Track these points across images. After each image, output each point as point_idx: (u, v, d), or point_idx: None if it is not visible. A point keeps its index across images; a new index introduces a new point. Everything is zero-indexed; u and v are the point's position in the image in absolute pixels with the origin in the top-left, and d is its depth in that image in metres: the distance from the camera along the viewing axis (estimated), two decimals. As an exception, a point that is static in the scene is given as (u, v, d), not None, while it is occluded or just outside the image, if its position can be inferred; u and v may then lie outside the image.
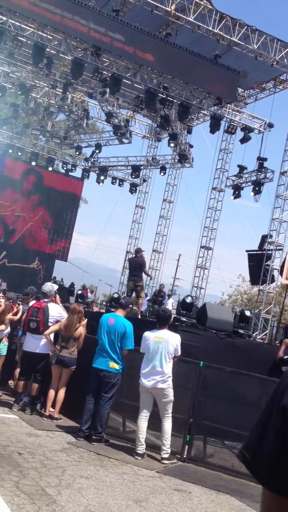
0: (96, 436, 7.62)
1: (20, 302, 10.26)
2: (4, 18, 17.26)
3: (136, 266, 14.39)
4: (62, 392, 8.59)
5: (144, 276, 15.00)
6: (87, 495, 5.42)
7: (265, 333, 20.54)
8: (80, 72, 18.34)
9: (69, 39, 18.10)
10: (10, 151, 29.03)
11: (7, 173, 28.99)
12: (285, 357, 9.27)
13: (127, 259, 22.52)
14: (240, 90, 22.88)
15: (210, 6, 18.67)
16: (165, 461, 7.23)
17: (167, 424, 7.33)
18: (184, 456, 7.56)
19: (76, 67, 18.10)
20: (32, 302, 9.34)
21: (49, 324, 8.82)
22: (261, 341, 18.36)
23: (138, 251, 15.09)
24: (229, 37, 19.24)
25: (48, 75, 20.55)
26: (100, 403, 7.72)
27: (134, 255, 15.63)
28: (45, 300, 9.09)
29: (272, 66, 20.59)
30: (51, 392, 8.62)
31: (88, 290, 23.62)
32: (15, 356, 10.03)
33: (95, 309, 22.62)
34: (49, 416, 8.52)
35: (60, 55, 19.77)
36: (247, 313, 11.19)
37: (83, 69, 18.37)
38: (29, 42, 18.50)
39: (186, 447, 7.61)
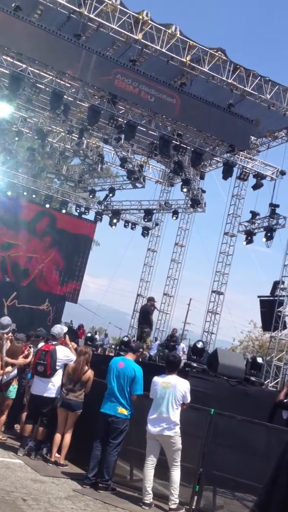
0: (102, 484, 7.42)
1: (31, 345, 10.19)
2: (24, 66, 17.84)
3: (143, 313, 15.27)
4: (68, 437, 8.42)
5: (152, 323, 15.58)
6: None
7: (276, 381, 20.18)
8: (96, 118, 18.79)
9: (86, 87, 18.61)
10: (25, 193, 29.53)
11: (21, 215, 29.38)
12: (285, 400, 9.05)
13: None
14: (252, 138, 23.22)
15: (224, 57, 19.17)
16: (173, 512, 7.00)
17: (176, 474, 7.13)
18: (193, 507, 7.32)
19: (93, 114, 18.55)
20: (40, 345, 9.28)
21: (57, 367, 8.72)
22: (273, 389, 18.02)
23: (149, 299, 15.85)
24: (242, 87, 19.67)
25: (65, 121, 21.07)
26: (107, 450, 7.55)
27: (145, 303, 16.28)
28: (54, 342, 9.02)
29: (284, 115, 20.95)
30: (57, 437, 8.46)
31: (84, 329, 23.44)
32: (23, 399, 9.90)
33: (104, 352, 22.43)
34: (54, 462, 8.33)
35: (77, 102, 20.29)
36: (259, 360, 11.03)
37: (99, 116, 18.84)
38: (47, 89, 19.05)
39: (195, 497, 7.37)
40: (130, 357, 8.05)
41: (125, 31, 18.07)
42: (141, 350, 8.88)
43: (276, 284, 21.82)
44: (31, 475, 7.50)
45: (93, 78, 17.88)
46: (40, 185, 30.82)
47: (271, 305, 21.54)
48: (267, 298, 22.59)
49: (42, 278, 30.08)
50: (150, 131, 21.35)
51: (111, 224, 30.70)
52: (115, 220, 30.61)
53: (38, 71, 18.34)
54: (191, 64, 19.11)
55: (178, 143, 20.41)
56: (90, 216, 31.88)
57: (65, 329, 9.87)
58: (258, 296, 23.38)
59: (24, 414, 9.34)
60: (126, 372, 7.73)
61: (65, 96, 18.72)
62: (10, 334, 11.03)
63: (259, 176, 23.31)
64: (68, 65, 17.57)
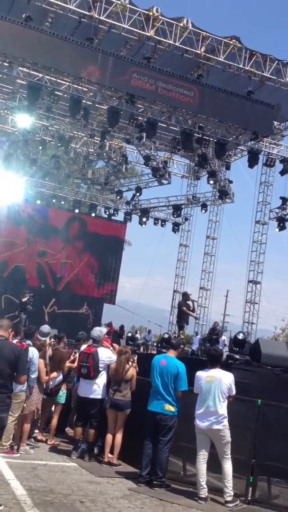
0: (157, 481, 7.50)
1: (76, 349, 10.33)
2: (40, 75, 18.04)
3: (178, 310, 15.77)
4: (119, 437, 8.52)
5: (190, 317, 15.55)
6: None
7: None
8: (116, 120, 18.86)
9: (103, 89, 18.71)
10: (54, 200, 29.87)
11: (52, 222, 29.73)
12: None
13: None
14: (275, 123, 22.94)
15: (239, 45, 19.02)
16: (229, 504, 7.02)
17: (227, 466, 7.15)
18: (249, 498, 7.32)
19: (112, 116, 18.63)
20: (83, 347, 9.41)
21: (100, 369, 8.84)
22: None
23: (182, 295, 16.26)
24: (260, 72, 19.48)
25: (86, 125, 21.24)
26: (158, 447, 7.62)
27: None
28: (95, 345, 9.15)
29: (305, 97, 20.65)
30: (109, 437, 8.57)
31: (113, 327, 23.46)
32: (71, 403, 10.05)
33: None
34: (108, 462, 8.45)
35: (96, 105, 20.40)
36: (303, 346, 10.90)
37: (119, 117, 18.90)
38: (65, 95, 19.22)
39: (250, 488, 7.37)
40: (171, 354, 8.10)
41: (137, 29, 18.10)
42: (182, 346, 8.93)
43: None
44: (86, 477, 7.63)
45: (110, 80, 17.97)
46: (68, 191, 31.11)
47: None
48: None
49: (78, 282, 30.37)
50: (171, 127, 21.30)
51: (140, 223, 30.78)
52: (144, 219, 30.67)
53: (55, 79, 18.52)
54: (206, 55, 19.01)
55: (200, 136, 20.32)
56: (120, 217, 32.06)
57: (104, 330, 9.97)
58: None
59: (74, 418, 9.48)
60: (169, 369, 7.78)
61: (83, 101, 18.85)
62: (52, 340, 11.22)
63: (286, 161, 23.00)
64: (84, 69, 17.66)
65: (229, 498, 7.07)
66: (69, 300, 28.90)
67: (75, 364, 9.61)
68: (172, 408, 7.67)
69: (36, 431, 9.84)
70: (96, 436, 8.84)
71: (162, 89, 18.48)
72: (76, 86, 18.68)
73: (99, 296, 30.85)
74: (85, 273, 30.71)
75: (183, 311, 15.04)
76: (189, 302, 15.26)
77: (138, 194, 29.47)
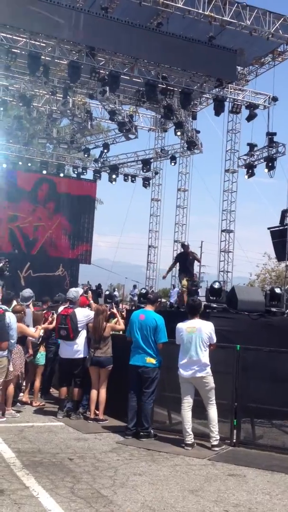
0: (143, 432, 7.64)
1: (53, 311, 10.30)
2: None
3: (179, 259, 14.97)
4: (103, 393, 8.62)
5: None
6: (142, 492, 5.43)
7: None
8: (77, 74, 18.35)
9: (62, 44, 18.10)
10: (20, 163, 29.23)
11: (20, 185, 29.20)
12: None
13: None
14: (239, 68, 22.66)
15: (197, -11, 18.51)
16: (215, 448, 7.21)
17: (212, 411, 7.31)
18: (234, 440, 7.52)
19: (73, 70, 18.11)
20: (60, 309, 9.39)
21: (79, 329, 8.85)
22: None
23: (183, 246, 15.26)
24: (220, 17, 19.07)
25: (47, 82, 20.63)
26: (143, 399, 7.73)
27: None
28: (72, 306, 9.13)
29: (268, 39, 20.36)
30: (93, 394, 8.66)
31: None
32: (55, 364, 10.08)
33: (125, 307, 22.66)
34: (94, 418, 8.56)
35: (56, 60, 19.78)
36: (277, 290, 11.08)
37: (80, 71, 18.39)
38: (23, 52, 18.56)
39: (235, 431, 7.57)
40: (149, 308, 8.13)
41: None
42: (159, 300, 8.97)
43: (284, 213, 21.62)
44: (73, 435, 7.72)
45: (70, 34, 17.38)
46: (34, 152, 30.44)
47: (282, 234, 21.41)
48: (278, 228, 22.46)
49: (52, 244, 30.13)
50: (134, 79, 20.83)
51: (110, 180, 30.44)
52: (114, 176, 30.32)
53: (10, 36, 17.82)
54: (165, 1, 18.49)
55: (164, 86, 19.94)
56: (89, 175, 31.63)
57: (80, 291, 9.93)
58: (268, 228, 23.25)
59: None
60: (148, 323, 7.83)
61: (42, 57, 18.25)
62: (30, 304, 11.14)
63: (252, 106, 22.82)
64: (43, 26, 17.03)
65: (215, 442, 7.26)
66: (44, 263, 28.78)
67: (52, 325, 9.59)
68: (153, 361, 7.75)
69: (21, 394, 9.91)
70: (81, 394, 8.93)
71: (122, 39, 17.98)
72: (33, 42, 18.02)
73: (74, 257, 30.73)
74: (58, 235, 30.45)
75: (193, 256, 14.42)
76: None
77: (105, 150, 29.03)
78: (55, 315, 9.91)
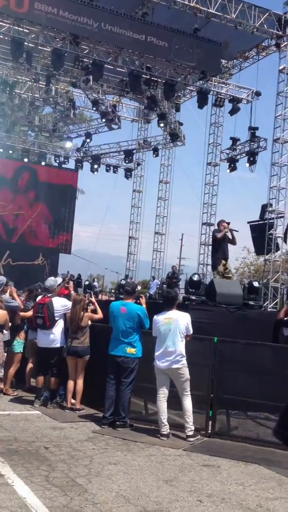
0: (120, 421, 7.67)
1: (30, 300, 10.24)
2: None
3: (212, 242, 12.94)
4: (80, 383, 8.63)
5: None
6: (117, 481, 5.47)
7: (275, 302, 20.57)
8: (61, 62, 18.19)
9: (46, 31, 17.91)
10: (1, 150, 28.93)
11: (1, 173, 28.93)
12: (286, 318, 9.25)
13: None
14: (223, 61, 22.65)
15: (183, -20, 18.43)
16: (190, 439, 7.28)
17: (187, 402, 7.37)
18: (209, 431, 7.60)
19: (57, 58, 17.95)
20: (38, 298, 9.35)
21: (56, 318, 8.84)
22: (273, 309, 18.39)
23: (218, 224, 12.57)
24: (206, 9, 19.00)
25: (30, 69, 20.35)
26: (120, 389, 7.75)
27: None
28: (49, 295, 9.10)
29: (252, 33, 20.37)
30: (70, 384, 8.66)
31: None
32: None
33: (104, 297, 22.65)
34: (71, 408, 8.57)
35: (39, 47, 19.57)
36: (255, 284, 11.20)
37: (64, 59, 18.23)
38: (6, 38, 18.32)
39: (210, 422, 7.64)
40: (129, 300, 8.13)
41: None
42: (137, 290, 8.99)
43: (264, 208, 21.85)
44: (50, 424, 7.73)
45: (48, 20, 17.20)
46: (15, 140, 30.15)
47: (262, 229, 21.65)
48: (257, 222, 22.68)
49: (32, 233, 29.97)
50: (118, 68, 20.72)
51: (92, 170, 30.32)
52: (96, 166, 30.20)
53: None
54: (151, -9, 18.38)
55: (148, 77, 19.86)
56: (71, 165, 31.44)
57: (59, 280, 9.90)
58: (248, 222, 23.45)
59: (29, 366, 9.56)
60: (129, 315, 7.83)
61: (25, 43, 18.03)
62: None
63: (235, 100, 22.91)
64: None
65: (190, 433, 7.32)
66: (24, 252, 28.64)
67: (29, 313, 9.54)
68: (133, 351, 7.78)
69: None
70: (58, 383, 8.93)
71: (107, 28, 17.86)
72: (17, 28, 17.79)
73: (54, 247, 30.62)
74: (38, 224, 30.30)
75: (227, 236, 11.86)
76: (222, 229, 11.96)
77: (88, 140, 28.86)
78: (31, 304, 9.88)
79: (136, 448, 6.81)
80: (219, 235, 11.80)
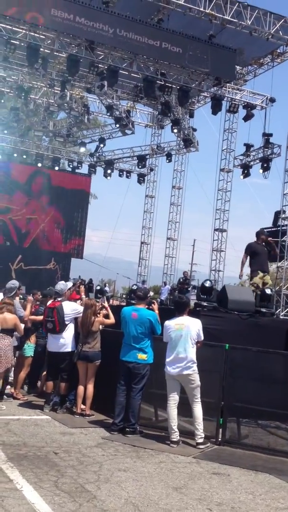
0: (129, 428, 7.63)
1: (42, 305, 10.27)
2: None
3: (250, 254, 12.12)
4: (90, 388, 8.60)
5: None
6: (126, 488, 5.44)
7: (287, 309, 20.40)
8: (76, 68, 18.29)
9: (62, 36, 18.03)
10: (15, 155, 29.14)
11: (14, 177, 29.13)
12: None
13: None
14: (238, 68, 22.64)
15: (199, -13, 18.48)
16: (200, 446, 7.22)
17: (198, 409, 7.32)
18: (219, 439, 7.54)
19: (72, 64, 18.05)
20: (49, 303, 9.36)
21: (66, 322, 8.83)
22: (286, 317, 18.25)
23: (256, 234, 12.22)
24: (221, 15, 19.04)
25: (45, 74, 20.52)
26: (131, 395, 7.72)
27: None
28: (59, 299, 9.10)
29: (267, 40, 20.35)
30: (80, 389, 8.65)
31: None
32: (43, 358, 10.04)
33: (115, 303, 22.61)
34: (80, 413, 8.55)
35: (55, 53, 19.70)
36: (268, 291, 11.09)
37: (79, 65, 18.33)
38: (22, 44, 18.46)
39: (220, 430, 7.58)
40: (141, 305, 8.10)
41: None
42: (149, 296, 8.96)
43: (277, 214, 21.74)
44: (59, 429, 7.71)
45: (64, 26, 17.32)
46: (29, 145, 30.34)
47: (275, 235, 21.46)
48: (270, 229, 22.53)
49: (44, 238, 30.08)
50: (132, 74, 20.78)
51: (105, 175, 30.39)
52: (109, 171, 30.28)
53: (10, 27, 17.71)
54: (166, -2, 18.44)
55: (162, 83, 19.90)
56: (84, 169, 31.54)
57: (69, 284, 9.91)
58: (261, 229, 23.29)
59: (44, 373, 9.52)
60: (141, 320, 7.80)
61: (41, 49, 18.17)
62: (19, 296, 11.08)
63: (249, 107, 22.87)
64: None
65: (200, 440, 7.27)
66: (36, 256, 28.73)
67: (39, 317, 9.56)
68: (145, 357, 7.74)
69: (8, 387, 9.87)
70: (68, 388, 8.91)
71: (123, 35, 17.94)
72: (33, 34, 17.96)
73: (67, 251, 30.70)
74: (51, 228, 30.42)
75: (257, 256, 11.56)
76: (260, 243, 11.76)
77: (101, 145, 28.96)
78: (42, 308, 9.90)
79: (145, 455, 6.77)
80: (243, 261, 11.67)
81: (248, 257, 11.66)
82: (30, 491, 5.09)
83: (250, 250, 11.65)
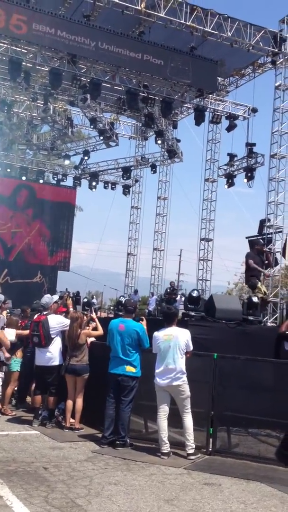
0: (119, 441, 7.59)
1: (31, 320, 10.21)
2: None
3: (246, 263, 13.22)
4: (79, 402, 8.55)
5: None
6: (117, 501, 5.39)
7: (275, 316, 20.48)
8: (58, 81, 18.31)
9: (43, 50, 18.09)
10: (-1, 168, 29.00)
11: (-1, 191, 28.98)
12: (287, 332, 9.16)
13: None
14: (220, 79, 22.85)
15: (180, 0, 18.65)
16: (191, 457, 7.19)
17: (188, 420, 7.30)
18: (210, 449, 7.52)
19: (54, 77, 18.08)
20: (35, 317, 9.31)
21: (52, 336, 8.77)
22: (273, 325, 18.31)
23: (252, 244, 13.07)
24: (202, 27, 19.22)
25: (28, 88, 20.54)
26: (120, 408, 7.68)
27: None
28: (45, 313, 9.06)
29: (248, 51, 20.58)
30: (69, 403, 8.59)
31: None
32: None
33: (103, 314, 22.52)
34: (70, 427, 8.48)
35: (37, 67, 19.73)
36: (255, 299, 11.14)
37: (62, 78, 18.35)
38: (4, 58, 18.47)
39: (211, 440, 7.56)
40: (128, 317, 8.09)
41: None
42: (137, 308, 8.95)
43: (262, 223, 21.85)
44: (48, 444, 7.64)
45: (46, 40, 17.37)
46: (13, 158, 30.26)
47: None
48: (256, 237, 22.66)
49: (30, 251, 29.93)
50: (115, 87, 20.86)
51: (90, 187, 30.39)
52: (94, 183, 30.29)
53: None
54: (147, 11, 18.58)
55: (145, 95, 20.02)
56: (69, 182, 31.51)
57: (55, 298, 9.88)
58: (246, 237, 23.42)
59: (33, 386, 9.44)
60: (128, 332, 7.79)
61: (23, 63, 18.19)
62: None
63: (232, 117, 23.07)
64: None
65: (191, 451, 7.24)
66: (22, 270, 28.55)
67: (26, 332, 9.51)
68: (133, 369, 7.72)
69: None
70: (56, 402, 8.84)
71: (104, 47, 18.04)
72: (14, 48, 17.95)
73: (53, 264, 30.55)
74: (37, 242, 30.27)
75: (251, 266, 12.40)
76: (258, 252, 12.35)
77: (86, 157, 28.98)
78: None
79: (136, 467, 6.72)
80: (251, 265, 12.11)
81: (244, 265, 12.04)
82: (20, 507, 5.03)
83: (250, 258, 11.95)
